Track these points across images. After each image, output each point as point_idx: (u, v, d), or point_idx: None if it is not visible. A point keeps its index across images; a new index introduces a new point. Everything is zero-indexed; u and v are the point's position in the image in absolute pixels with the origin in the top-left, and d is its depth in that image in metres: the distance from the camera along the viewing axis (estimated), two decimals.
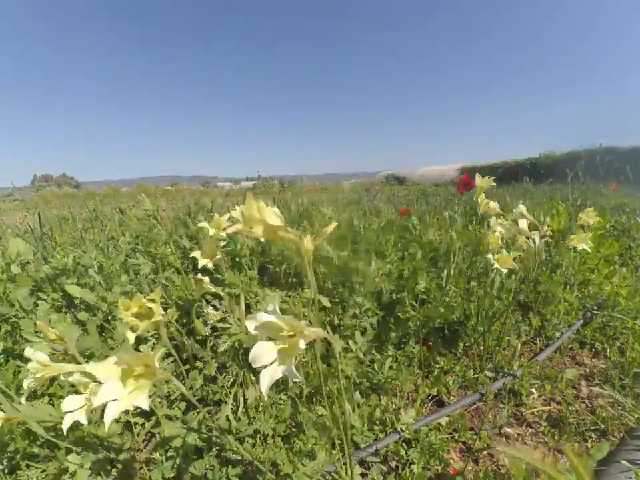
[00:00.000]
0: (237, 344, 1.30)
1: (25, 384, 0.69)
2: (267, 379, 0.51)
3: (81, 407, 0.64)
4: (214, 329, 1.25)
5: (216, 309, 1.27)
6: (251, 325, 0.54)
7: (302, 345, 0.50)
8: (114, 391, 0.49)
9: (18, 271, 1.42)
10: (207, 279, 1.19)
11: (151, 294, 0.74)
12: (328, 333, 0.57)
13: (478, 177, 1.40)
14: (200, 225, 1.29)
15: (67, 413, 0.63)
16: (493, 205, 1.39)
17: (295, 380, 0.50)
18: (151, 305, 0.72)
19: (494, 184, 1.40)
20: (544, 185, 6.72)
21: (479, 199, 1.41)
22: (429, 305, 1.72)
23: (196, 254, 1.20)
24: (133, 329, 0.71)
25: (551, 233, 2.33)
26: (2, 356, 1.21)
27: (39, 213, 2.32)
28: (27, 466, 0.97)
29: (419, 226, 2.47)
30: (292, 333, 0.52)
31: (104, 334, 1.40)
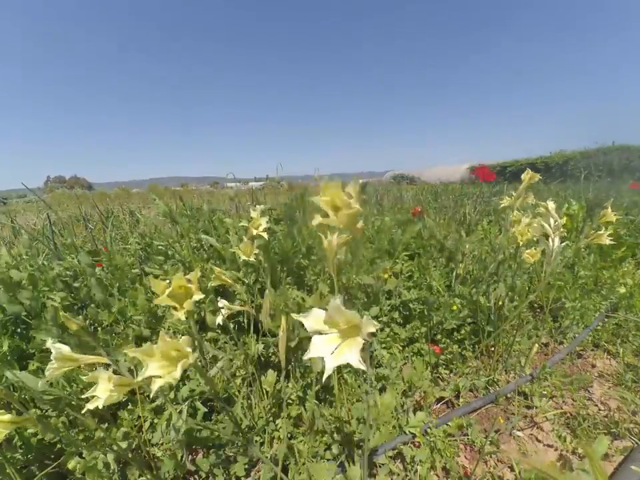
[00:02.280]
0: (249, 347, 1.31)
1: (46, 373, 0.73)
2: (331, 365, 0.55)
3: (105, 397, 0.69)
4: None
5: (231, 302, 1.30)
6: (308, 319, 0.59)
7: (363, 337, 0.54)
8: (156, 369, 0.60)
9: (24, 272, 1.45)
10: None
11: (190, 274, 0.78)
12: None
13: (526, 172, 1.47)
14: (241, 223, 1.46)
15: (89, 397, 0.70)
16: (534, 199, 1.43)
17: (360, 368, 0.53)
18: (189, 284, 0.77)
19: (538, 177, 1.46)
20: (556, 184, 6.61)
21: (519, 193, 1.50)
22: (438, 305, 1.70)
23: (236, 250, 1.28)
24: (176, 309, 0.78)
25: (566, 233, 2.29)
26: (10, 355, 1.23)
27: (47, 215, 2.36)
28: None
29: (429, 225, 2.45)
30: (347, 326, 0.58)
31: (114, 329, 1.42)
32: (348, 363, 0.54)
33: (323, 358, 0.57)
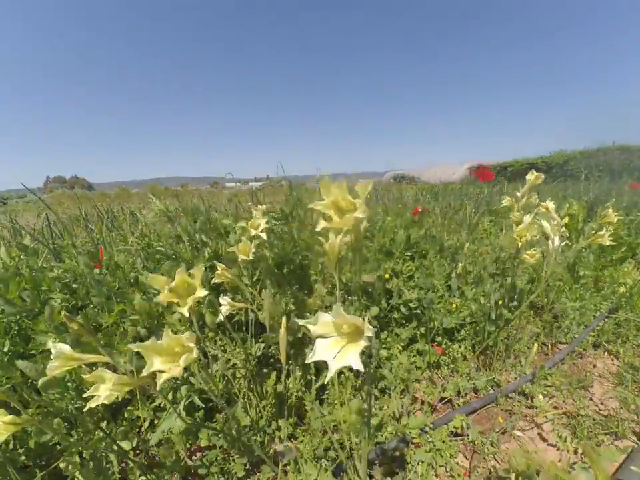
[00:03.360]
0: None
1: (48, 371, 0.72)
2: (334, 367, 0.58)
3: (106, 395, 0.69)
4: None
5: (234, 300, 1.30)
6: (312, 324, 0.61)
7: (364, 341, 0.56)
8: (160, 364, 0.63)
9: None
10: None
11: (193, 270, 0.79)
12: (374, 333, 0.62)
13: (530, 173, 1.47)
14: (239, 224, 1.48)
15: (92, 396, 0.69)
16: (544, 202, 1.43)
17: (359, 369, 0.55)
18: (191, 281, 0.78)
19: (542, 177, 1.47)
20: (557, 184, 6.61)
21: (523, 193, 1.50)
22: (438, 305, 1.70)
23: (234, 249, 1.29)
24: (179, 305, 0.78)
25: (567, 234, 2.29)
26: (8, 355, 1.23)
27: (46, 215, 2.36)
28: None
29: (429, 225, 2.45)
30: (350, 330, 0.60)
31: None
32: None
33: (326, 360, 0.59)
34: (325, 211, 0.61)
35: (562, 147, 16.68)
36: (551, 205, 1.34)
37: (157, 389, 0.62)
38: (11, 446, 1.04)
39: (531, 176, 1.46)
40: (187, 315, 0.78)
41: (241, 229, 1.49)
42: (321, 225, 0.61)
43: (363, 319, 0.58)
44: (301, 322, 0.61)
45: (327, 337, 0.62)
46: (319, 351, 0.60)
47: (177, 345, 0.65)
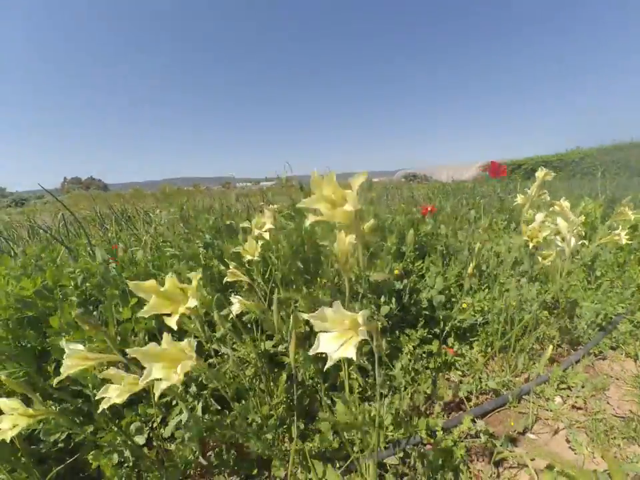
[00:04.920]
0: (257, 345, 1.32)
1: (62, 370, 0.74)
2: (334, 357, 0.63)
3: (117, 395, 0.71)
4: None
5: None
6: (315, 319, 0.65)
7: (362, 335, 0.61)
8: (159, 371, 0.63)
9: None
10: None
11: (191, 274, 0.78)
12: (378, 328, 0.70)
13: (540, 169, 1.46)
14: (243, 224, 1.50)
15: (104, 397, 0.71)
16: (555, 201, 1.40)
17: (355, 359, 0.61)
18: (186, 286, 0.77)
19: (552, 174, 1.45)
20: (573, 181, 6.47)
21: (533, 190, 1.48)
22: (451, 305, 1.68)
23: (239, 249, 1.32)
24: (174, 312, 0.74)
25: (583, 233, 2.24)
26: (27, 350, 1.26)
27: (63, 215, 2.41)
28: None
29: (440, 225, 2.42)
30: (350, 326, 0.64)
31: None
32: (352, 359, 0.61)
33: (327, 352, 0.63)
34: (314, 206, 0.64)
35: (578, 145, 16.35)
36: (565, 204, 1.31)
37: (156, 399, 0.63)
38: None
39: (540, 173, 1.44)
40: (175, 327, 0.73)
41: (247, 228, 1.50)
42: (310, 219, 0.64)
43: (364, 316, 0.61)
44: (305, 316, 0.65)
45: (329, 332, 0.66)
46: (321, 344, 0.65)
47: (176, 351, 0.66)
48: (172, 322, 0.72)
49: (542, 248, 1.47)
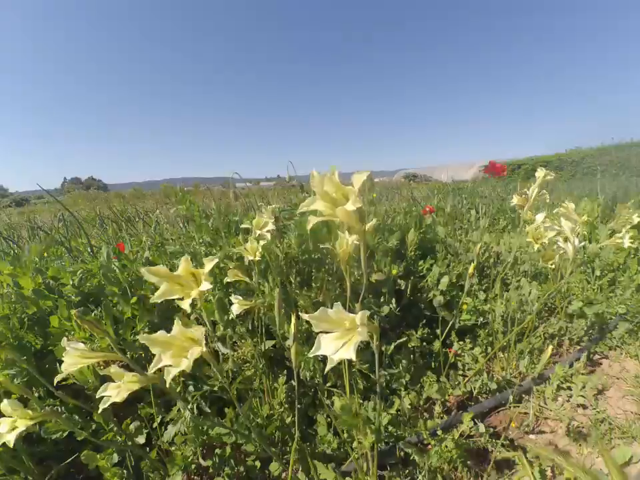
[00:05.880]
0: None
1: (62, 368, 0.75)
2: (334, 359, 0.62)
3: (116, 393, 0.71)
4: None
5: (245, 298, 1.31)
6: (315, 320, 0.65)
7: (362, 336, 0.61)
8: (169, 359, 0.63)
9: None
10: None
11: (206, 258, 0.76)
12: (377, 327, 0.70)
13: (539, 169, 1.44)
14: (244, 225, 1.50)
15: (103, 395, 0.71)
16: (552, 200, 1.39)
17: (354, 359, 0.60)
18: (198, 271, 0.76)
19: (553, 175, 1.44)
20: (573, 181, 6.47)
21: (533, 190, 1.46)
22: (452, 305, 1.68)
23: (240, 250, 1.31)
24: (186, 297, 0.74)
25: (584, 233, 2.24)
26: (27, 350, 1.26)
27: (62, 215, 2.41)
28: None
29: (440, 225, 2.42)
30: (351, 327, 0.64)
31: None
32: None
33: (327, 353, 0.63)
34: (315, 207, 0.63)
35: (578, 145, 16.36)
36: (571, 205, 1.29)
37: (167, 384, 0.62)
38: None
39: (540, 173, 1.43)
40: (188, 309, 0.73)
41: (247, 229, 1.50)
42: (312, 221, 0.63)
43: (364, 316, 0.61)
44: (305, 316, 0.65)
45: (328, 333, 0.65)
46: (321, 345, 0.64)
47: (185, 339, 0.65)
48: (185, 304, 0.72)
49: (542, 250, 1.47)
